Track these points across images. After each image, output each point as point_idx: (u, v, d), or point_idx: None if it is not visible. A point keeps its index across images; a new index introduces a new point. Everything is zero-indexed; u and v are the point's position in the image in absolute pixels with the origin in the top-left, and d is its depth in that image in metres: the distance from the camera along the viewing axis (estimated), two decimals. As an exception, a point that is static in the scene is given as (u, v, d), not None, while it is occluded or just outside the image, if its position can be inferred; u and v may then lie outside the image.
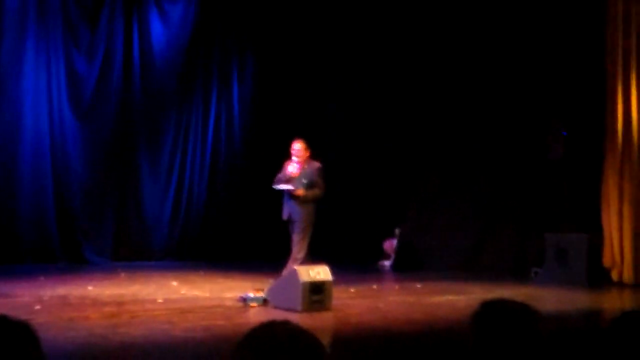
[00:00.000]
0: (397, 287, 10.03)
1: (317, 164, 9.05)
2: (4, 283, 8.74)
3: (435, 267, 11.38)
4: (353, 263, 11.62)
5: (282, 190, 8.99)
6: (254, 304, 7.67)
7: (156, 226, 12.15)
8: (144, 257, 11.82)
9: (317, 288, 7.41)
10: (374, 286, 9.71)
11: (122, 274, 10.12)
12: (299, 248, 8.89)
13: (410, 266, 11.70)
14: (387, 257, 12.31)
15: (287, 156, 9.15)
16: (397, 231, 12.36)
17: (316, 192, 8.96)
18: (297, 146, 8.99)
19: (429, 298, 8.74)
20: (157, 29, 12.35)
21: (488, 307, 2.12)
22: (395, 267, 11.97)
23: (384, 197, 12.68)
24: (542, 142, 11.03)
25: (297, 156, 8.93)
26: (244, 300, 7.76)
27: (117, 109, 11.88)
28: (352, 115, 12.97)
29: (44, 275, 9.55)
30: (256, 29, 12.85)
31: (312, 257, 8.56)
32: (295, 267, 7.63)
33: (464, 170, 11.91)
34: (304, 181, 8.84)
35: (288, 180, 8.92)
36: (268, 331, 1.63)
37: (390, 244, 12.31)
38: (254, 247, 12.09)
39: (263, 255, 10.99)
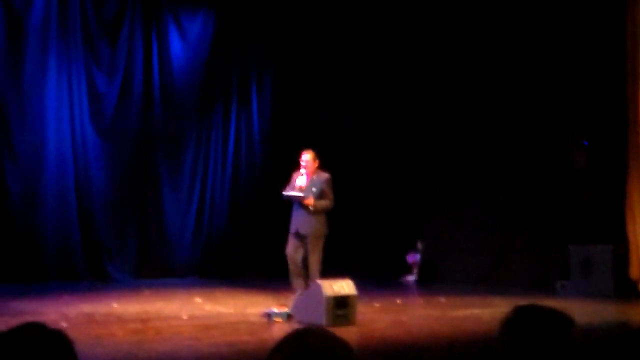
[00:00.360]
0: (421, 301, 10.04)
1: (326, 175, 8.92)
2: (29, 301, 8.84)
3: (459, 280, 11.35)
4: (376, 277, 11.62)
5: (292, 202, 8.87)
6: (278, 319, 7.70)
7: (179, 243, 12.23)
8: (167, 274, 11.88)
9: (341, 302, 7.42)
10: (398, 301, 9.71)
11: (146, 291, 10.18)
12: (315, 264, 8.71)
13: (434, 280, 11.69)
14: (411, 270, 12.29)
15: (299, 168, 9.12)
16: (419, 245, 12.34)
17: (326, 203, 8.84)
18: (307, 157, 8.84)
19: (453, 312, 8.74)
20: (176, 45, 12.49)
21: (521, 312, 2.10)
22: (419, 282, 11.96)
23: (405, 210, 12.67)
24: (564, 151, 11.00)
25: (306, 167, 8.81)
26: (268, 315, 7.79)
27: (138, 125, 12.01)
28: (371, 128, 13.00)
29: (69, 293, 9.64)
30: (274, 44, 12.96)
31: (335, 271, 8.55)
32: (319, 281, 7.64)
33: (485, 181, 11.89)
34: (314, 190, 8.75)
35: (300, 190, 8.81)
36: (303, 337, 1.64)
37: (414, 257, 12.30)
38: (277, 262, 12.09)
39: (286, 270, 10.99)
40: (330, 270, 8.62)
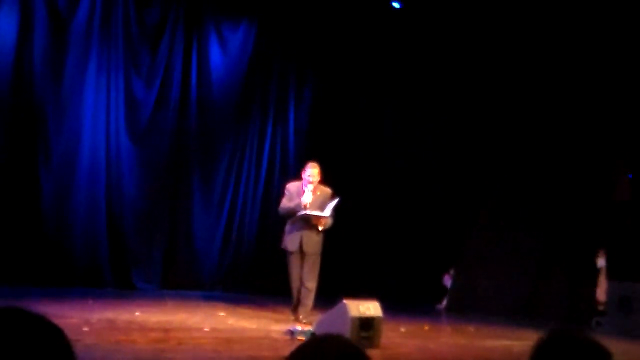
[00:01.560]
0: (449, 328, 10.06)
1: (329, 190, 8.90)
2: (54, 304, 8.98)
3: (491, 309, 11.36)
4: (405, 302, 11.67)
5: (290, 218, 8.84)
6: (301, 337, 7.77)
7: (206, 255, 12.33)
8: (192, 286, 11.99)
9: (366, 324, 7.47)
10: (426, 327, 9.75)
11: (170, 302, 10.34)
12: (315, 283, 8.82)
13: (463, 308, 11.71)
14: (446, 293, 12.27)
15: (339, 189, 9.10)
16: (451, 271, 12.34)
17: (331, 221, 8.82)
18: (314, 171, 8.81)
19: (482, 342, 8.77)
20: (215, 56, 12.64)
21: (556, 338, 2.00)
22: (448, 309, 11.98)
23: (440, 236, 12.67)
24: (608, 183, 10.98)
25: (312, 182, 8.77)
26: (292, 333, 7.90)
27: (172, 135, 12.16)
28: (411, 149, 13.04)
29: (93, 298, 9.82)
30: (314, 60, 13.07)
31: (363, 293, 8.61)
32: (345, 301, 7.70)
33: (524, 210, 11.87)
34: (330, 208, 8.67)
35: (304, 207, 8.72)
36: (320, 344, 1.71)
37: (449, 279, 12.29)
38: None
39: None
40: (358, 292, 8.66)
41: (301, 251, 8.84)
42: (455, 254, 12.55)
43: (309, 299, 8.84)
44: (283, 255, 9.22)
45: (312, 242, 8.84)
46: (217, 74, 12.63)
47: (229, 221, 12.59)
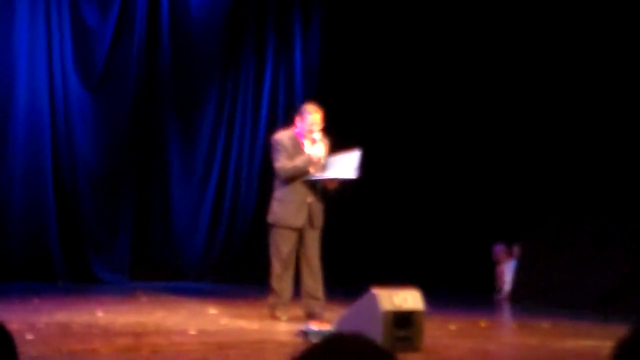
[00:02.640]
0: (514, 325, 10.15)
1: (326, 141, 8.93)
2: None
3: (569, 301, 11.34)
4: (454, 290, 11.73)
5: (289, 182, 8.81)
6: (317, 340, 7.71)
7: (189, 236, 12.44)
8: (172, 276, 12.14)
9: (403, 320, 7.45)
10: (482, 323, 9.76)
11: (143, 297, 10.43)
12: (319, 260, 8.92)
13: (534, 297, 11.71)
14: (497, 264, 12.37)
15: (360, 142, 9.02)
16: (516, 249, 12.36)
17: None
18: (318, 116, 8.77)
19: (559, 342, 8.71)
20: (194, -33, 12.65)
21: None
22: (513, 298, 12.00)
23: (500, 203, 12.63)
24: None
25: (319, 131, 8.77)
26: (305, 334, 7.88)
27: (139, 78, 12.17)
28: (454, 90, 12.94)
29: (39, 296, 9.87)
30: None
31: (398, 280, 8.56)
32: (375, 291, 7.65)
33: (615, 179, 11.79)
34: (355, 167, 8.63)
35: (313, 166, 8.71)
36: (333, 344, 1.80)
37: (502, 249, 12.36)
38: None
39: (329, 276, 11.06)
40: (392, 278, 8.60)
41: (313, 226, 8.86)
42: (520, 227, 12.49)
43: (320, 291, 8.94)
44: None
45: (320, 212, 8.93)
46: (196, -6, 12.63)
47: (218, 191, 12.68)
